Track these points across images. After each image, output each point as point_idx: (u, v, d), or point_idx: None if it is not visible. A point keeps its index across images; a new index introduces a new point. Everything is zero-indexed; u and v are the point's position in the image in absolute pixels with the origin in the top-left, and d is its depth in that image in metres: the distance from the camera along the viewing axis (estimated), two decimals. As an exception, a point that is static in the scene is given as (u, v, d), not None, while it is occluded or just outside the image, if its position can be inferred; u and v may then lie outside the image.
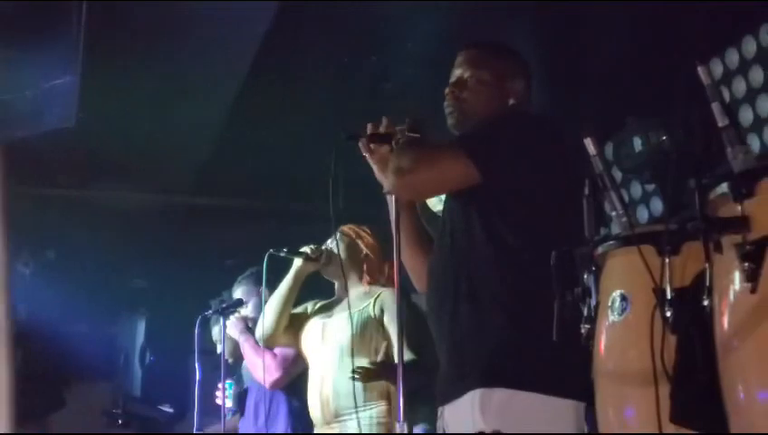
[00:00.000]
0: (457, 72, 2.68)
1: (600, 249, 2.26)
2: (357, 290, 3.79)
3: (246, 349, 4.38)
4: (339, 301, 3.87)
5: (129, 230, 6.44)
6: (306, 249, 3.85)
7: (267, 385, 4.33)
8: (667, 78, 4.37)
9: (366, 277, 3.80)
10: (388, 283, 3.75)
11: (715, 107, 1.98)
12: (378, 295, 3.68)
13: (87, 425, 6.89)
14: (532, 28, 4.66)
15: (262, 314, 4.02)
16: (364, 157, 2.78)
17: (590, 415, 2.41)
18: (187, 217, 6.51)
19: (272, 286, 4.04)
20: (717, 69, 4.39)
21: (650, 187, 4.79)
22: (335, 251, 3.78)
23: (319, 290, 4.09)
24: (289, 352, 4.14)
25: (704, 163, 2.11)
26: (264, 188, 6.09)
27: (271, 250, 3.98)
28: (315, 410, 3.69)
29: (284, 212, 6.32)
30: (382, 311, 3.63)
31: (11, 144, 5.25)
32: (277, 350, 4.25)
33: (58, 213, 6.24)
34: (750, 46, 4.27)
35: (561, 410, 2.38)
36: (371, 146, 2.75)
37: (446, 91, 2.68)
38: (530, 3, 4.23)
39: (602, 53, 4.74)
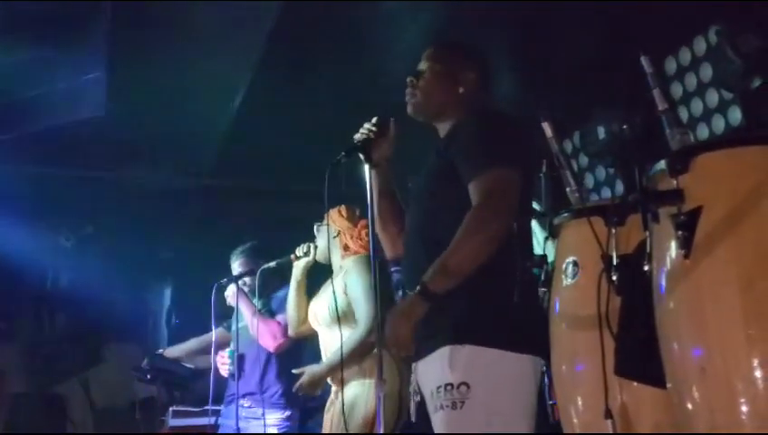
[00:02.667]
0: (419, 66, 2.66)
1: (555, 221, 2.22)
2: (338, 266, 3.76)
3: (253, 320, 4.36)
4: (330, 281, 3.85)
5: (157, 208, 6.40)
6: (297, 250, 3.87)
7: (272, 349, 4.32)
8: (629, 73, 4.31)
9: (342, 253, 3.77)
10: (361, 249, 3.73)
11: (656, 93, 1.95)
12: (344, 271, 3.66)
13: (121, 378, 6.89)
14: (511, 32, 4.62)
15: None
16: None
17: (548, 370, 2.38)
18: (208, 195, 6.47)
19: None
20: (671, 66, 4.35)
21: (613, 170, 4.74)
22: (317, 242, 3.85)
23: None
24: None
25: (646, 144, 2.06)
26: (276, 169, 6.04)
27: (263, 266, 4.09)
28: None
29: (294, 192, 6.28)
30: (345, 284, 3.62)
31: (50, 130, 5.28)
32: (280, 317, 4.24)
33: (95, 193, 6.22)
34: (700, 45, 4.23)
35: (520, 364, 2.33)
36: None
37: (407, 80, 2.64)
38: (505, 6, 4.17)
39: (574, 53, 4.70)
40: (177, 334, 7.19)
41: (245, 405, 4.42)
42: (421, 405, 2.47)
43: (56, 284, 7.13)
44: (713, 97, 4.12)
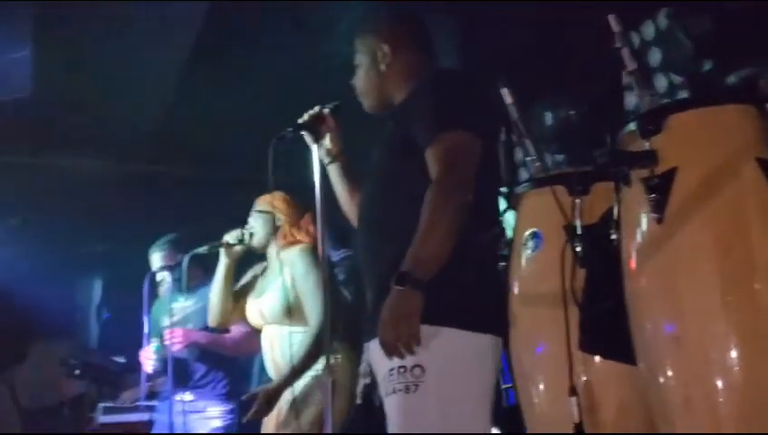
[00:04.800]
0: None
1: (516, 191, 2.12)
2: (277, 259, 3.61)
3: (216, 346, 4.18)
4: (267, 274, 3.68)
5: (86, 197, 6.14)
6: (228, 237, 3.67)
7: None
8: (577, 59, 4.28)
9: (281, 241, 3.60)
10: (305, 238, 3.57)
11: (625, 52, 1.85)
12: (290, 264, 3.50)
13: (47, 376, 6.64)
14: (455, 13, 4.54)
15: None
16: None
17: (505, 350, 2.27)
18: (140, 184, 6.24)
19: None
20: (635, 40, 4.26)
21: (560, 157, 4.67)
22: (255, 229, 3.63)
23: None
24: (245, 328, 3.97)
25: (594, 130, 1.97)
26: (212, 157, 5.86)
27: (193, 251, 3.82)
28: (270, 371, 3.53)
29: (229, 181, 6.10)
30: (293, 277, 3.46)
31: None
32: (235, 329, 4.06)
33: (22, 181, 5.94)
34: (649, 30, 4.18)
35: (479, 345, 2.19)
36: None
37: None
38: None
39: (521, 38, 4.65)
40: (107, 329, 6.99)
41: (186, 399, 4.27)
42: (370, 388, 2.34)
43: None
44: (661, 82, 4.08)
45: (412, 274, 2.04)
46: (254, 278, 3.71)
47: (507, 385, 2.50)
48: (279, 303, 3.43)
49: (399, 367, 2.14)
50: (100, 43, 4.53)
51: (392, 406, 2.19)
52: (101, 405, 5.15)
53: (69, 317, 7.17)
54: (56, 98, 4.93)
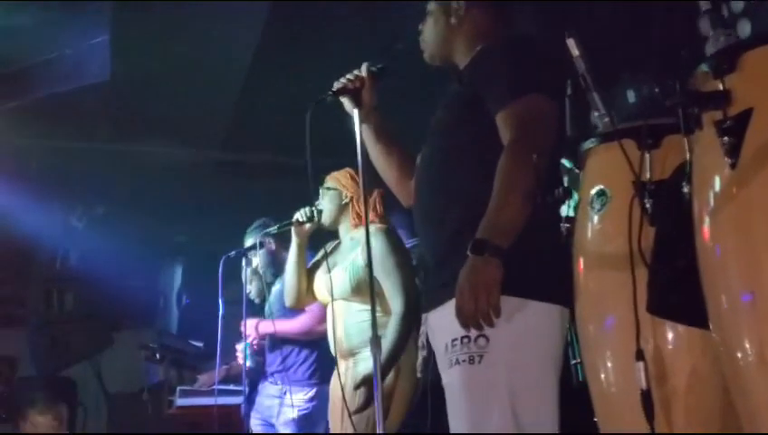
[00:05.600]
0: None
1: (582, 147, 1.99)
2: (348, 237, 3.55)
3: (285, 329, 4.16)
4: (339, 250, 3.62)
5: (167, 184, 6.21)
6: (298, 215, 3.63)
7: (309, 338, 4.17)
8: (661, 33, 4.10)
9: (353, 220, 3.54)
10: (378, 218, 3.50)
11: (698, -9, 1.71)
12: (364, 243, 3.43)
13: (131, 360, 6.75)
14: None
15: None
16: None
17: (571, 323, 2.14)
18: (219, 171, 6.27)
19: None
20: (706, 25, 4.08)
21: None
22: (322, 206, 3.59)
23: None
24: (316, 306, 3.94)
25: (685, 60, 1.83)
26: (294, 143, 5.83)
27: (264, 232, 3.93)
28: (332, 346, 3.48)
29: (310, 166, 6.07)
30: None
31: (56, 97, 5.12)
32: (308, 309, 4.04)
33: (101, 167, 6.04)
34: (738, 4, 3.98)
35: (545, 315, 2.08)
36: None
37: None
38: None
39: (601, 14, 4.48)
40: (187, 315, 7.08)
41: (270, 382, 4.30)
42: (428, 360, 2.25)
43: (65, 264, 7.00)
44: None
45: (490, 241, 1.95)
46: (325, 255, 3.68)
47: (576, 361, 2.37)
48: (347, 279, 3.38)
49: (463, 337, 2.05)
50: (177, 28, 4.56)
51: (454, 377, 2.09)
52: (179, 388, 5.21)
53: (153, 304, 7.29)
54: (135, 84, 4.99)
